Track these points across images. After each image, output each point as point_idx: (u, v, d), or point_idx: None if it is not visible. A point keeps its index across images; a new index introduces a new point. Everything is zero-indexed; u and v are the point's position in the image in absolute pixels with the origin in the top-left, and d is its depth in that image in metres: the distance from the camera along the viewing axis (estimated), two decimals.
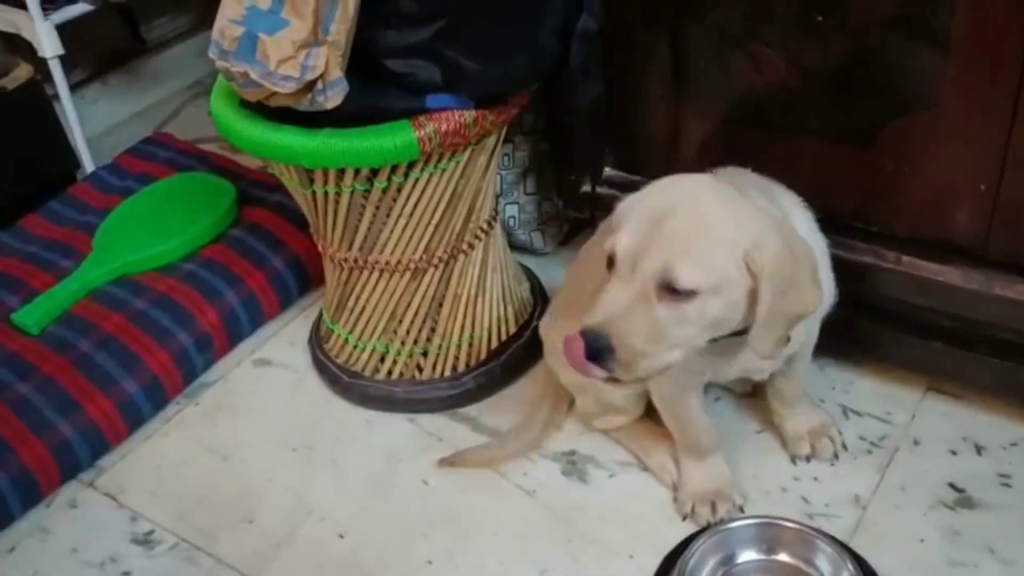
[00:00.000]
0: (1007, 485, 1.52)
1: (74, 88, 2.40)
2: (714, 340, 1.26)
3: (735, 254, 1.18)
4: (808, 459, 1.59)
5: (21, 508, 1.63)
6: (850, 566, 1.37)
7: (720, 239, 1.19)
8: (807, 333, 1.45)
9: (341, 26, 1.31)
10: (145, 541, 1.59)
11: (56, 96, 2.26)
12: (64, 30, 2.18)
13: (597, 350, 1.19)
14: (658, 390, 1.49)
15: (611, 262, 1.22)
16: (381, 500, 1.61)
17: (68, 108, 2.27)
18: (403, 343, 1.71)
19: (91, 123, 2.51)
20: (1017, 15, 1.30)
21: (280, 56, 1.32)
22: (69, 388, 1.72)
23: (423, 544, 1.54)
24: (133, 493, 1.67)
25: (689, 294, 1.18)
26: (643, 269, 1.18)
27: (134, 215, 2.08)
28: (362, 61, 1.38)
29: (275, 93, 1.35)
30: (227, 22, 1.39)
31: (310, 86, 1.33)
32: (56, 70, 2.20)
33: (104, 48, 2.67)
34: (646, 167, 1.76)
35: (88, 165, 2.35)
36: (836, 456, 1.59)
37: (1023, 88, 1.35)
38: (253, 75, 1.34)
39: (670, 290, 1.18)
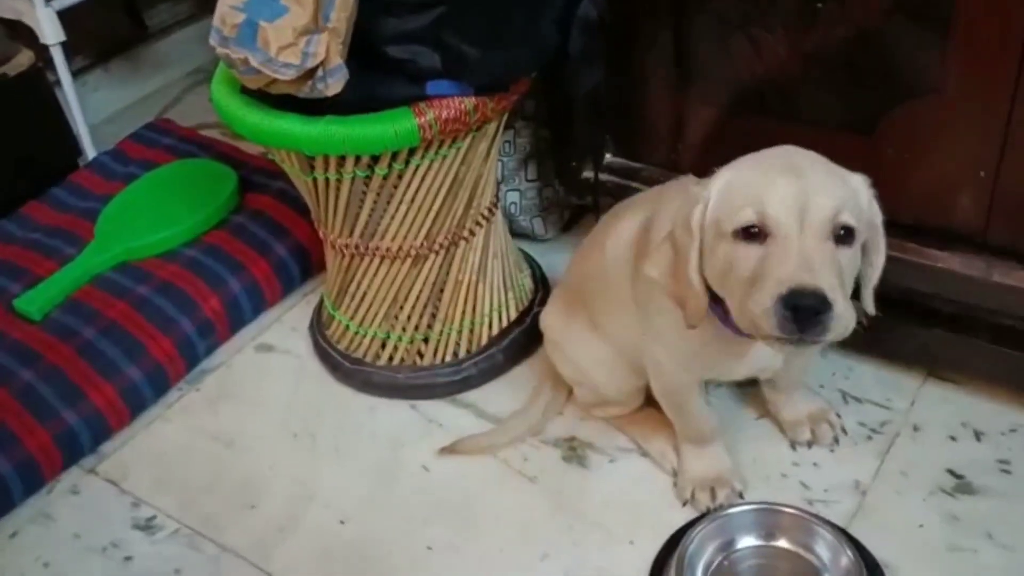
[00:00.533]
0: (1006, 471, 1.53)
1: (76, 75, 2.39)
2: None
3: (864, 199, 1.21)
4: (809, 445, 1.59)
5: (23, 494, 1.64)
6: (849, 552, 1.37)
7: (850, 186, 1.20)
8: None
9: (342, 13, 1.31)
10: (147, 527, 1.60)
11: (58, 82, 2.26)
12: (65, 16, 2.17)
13: (816, 311, 1.11)
14: (660, 384, 1.49)
15: (752, 231, 1.16)
16: (383, 486, 1.62)
17: (70, 95, 2.27)
18: (404, 329, 1.72)
19: (93, 110, 2.51)
20: (1017, 3, 1.29)
21: (280, 43, 1.32)
22: (72, 375, 1.73)
23: (425, 530, 1.55)
24: (135, 479, 1.68)
25: (850, 238, 1.17)
26: (814, 219, 1.14)
27: (136, 201, 2.09)
28: (362, 48, 1.38)
29: (276, 80, 1.35)
30: (228, 8, 1.38)
31: (311, 73, 1.33)
32: (58, 57, 2.20)
33: (105, 34, 2.67)
34: (647, 154, 1.77)
35: (90, 152, 2.35)
36: (836, 440, 1.59)
37: (1023, 75, 1.35)
38: (254, 62, 1.34)
39: (837, 237, 1.17)
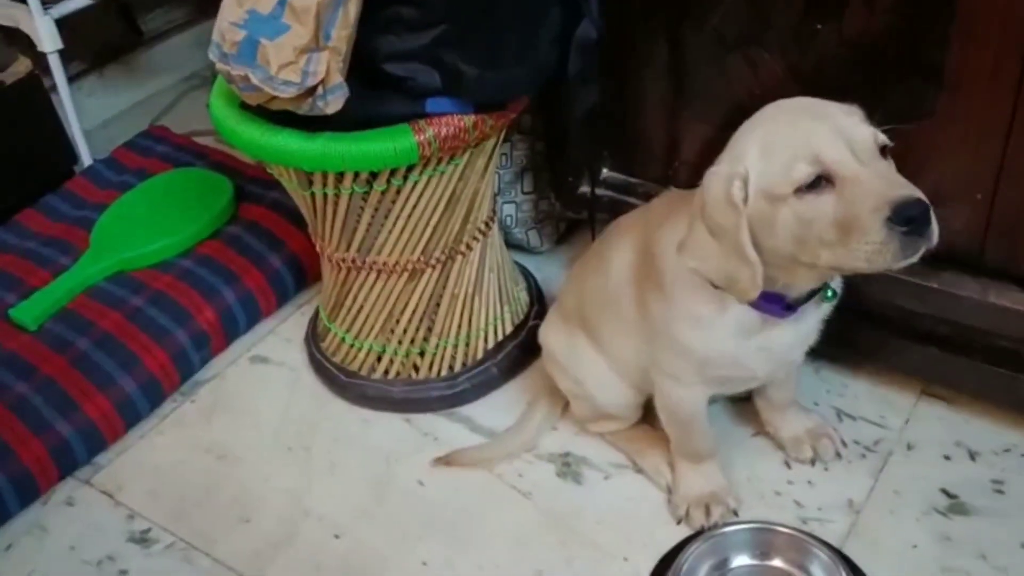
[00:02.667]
0: (1000, 491, 1.53)
1: (71, 80, 2.39)
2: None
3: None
4: (813, 462, 1.60)
5: (18, 505, 1.63)
6: (843, 572, 1.38)
7: (858, 111, 1.22)
8: (807, 345, 1.46)
9: (342, 32, 1.31)
10: (142, 540, 1.60)
11: (54, 88, 2.26)
12: (62, 22, 2.17)
13: (927, 213, 1.12)
14: (669, 401, 1.49)
15: (815, 183, 1.15)
16: (377, 501, 1.62)
17: (66, 101, 2.26)
18: (400, 343, 1.72)
19: (88, 115, 2.51)
20: (1013, 28, 1.30)
21: (281, 61, 1.32)
22: (68, 388, 1.72)
23: (419, 545, 1.55)
24: (130, 491, 1.68)
25: (887, 151, 1.19)
26: (863, 148, 1.15)
27: (131, 211, 2.08)
28: (362, 65, 1.38)
29: (275, 97, 1.35)
30: (228, 25, 1.38)
31: (311, 91, 1.33)
32: (55, 64, 2.19)
33: (101, 40, 2.66)
34: (643, 170, 1.77)
35: (86, 158, 2.35)
36: (839, 455, 1.60)
37: (1020, 98, 1.35)
38: (254, 79, 1.34)
39: (882, 152, 1.18)
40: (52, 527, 1.63)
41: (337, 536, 1.57)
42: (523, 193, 1.99)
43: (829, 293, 1.34)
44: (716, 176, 1.22)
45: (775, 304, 1.30)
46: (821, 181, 1.15)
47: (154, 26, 2.80)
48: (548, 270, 2.00)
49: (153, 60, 2.80)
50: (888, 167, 1.18)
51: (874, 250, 1.12)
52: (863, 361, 1.72)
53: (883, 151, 1.19)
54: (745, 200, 1.20)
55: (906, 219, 1.11)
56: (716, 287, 1.28)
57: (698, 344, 1.37)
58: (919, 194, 1.13)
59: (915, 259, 1.15)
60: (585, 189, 1.81)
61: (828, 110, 1.20)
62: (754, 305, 1.30)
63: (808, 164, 1.15)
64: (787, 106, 1.24)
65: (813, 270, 1.24)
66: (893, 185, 1.13)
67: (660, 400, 1.50)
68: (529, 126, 1.92)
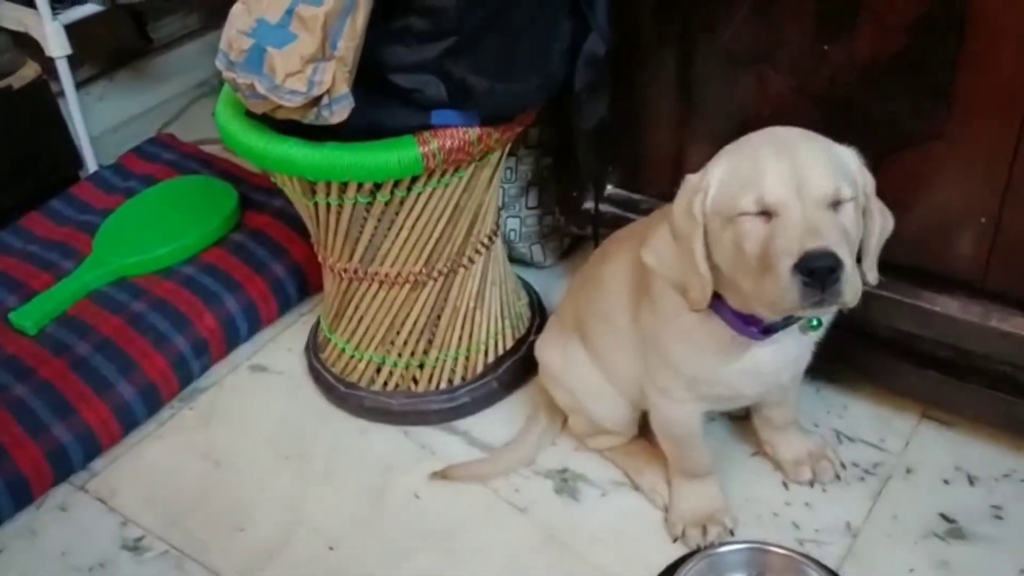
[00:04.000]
0: (999, 517, 1.52)
1: (80, 85, 2.39)
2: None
3: (855, 167, 1.25)
4: (812, 484, 1.59)
5: (12, 509, 1.63)
6: None
7: (841, 158, 1.24)
8: (797, 369, 1.45)
9: (349, 42, 1.32)
10: (135, 547, 1.59)
11: (61, 94, 2.26)
12: (72, 27, 2.18)
13: (830, 270, 1.14)
14: (662, 416, 1.49)
15: (765, 208, 1.18)
16: (372, 513, 1.61)
17: (73, 106, 2.27)
18: (400, 355, 1.72)
19: (96, 121, 2.52)
20: (1020, 52, 1.30)
21: (287, 70, 1.32)
22: (65, 392, 1.72)
23: (412, 559, 1.54)
24: (124, 497, 1.67)
25: (848, 205, 1.21)
26: (811, 193, 1.18)
27: (135, 217, 2.08)
28: (369, 76, 1.38)
29: (281, 106, 1.35)
30: (236, 33, 1.38)
31: (316, 101, 1.33)
32: (63, 69, 2.20)
33: (111, 46, 2.67)
34: (648, 186, 1.77)
35: (92, 164, 2.35)
36: (838, 477, 1.60)
37: None
38: (260, 88, 1.34)
39: (835, 205, 1.20)
40: (45, 532, 1.62)
41: (331, 547, 1.57)
42: (527, 208, 1.99)
43: (814, 323, 1.34)
44: (687, 184, 1.28)
45: (751, 326, 1.31)
46: (763, 213, 1.19)
47: (164, 33, 2.80)
48: (551, 285, 1.99)
49: (162, 67, 2.80)
50: (829, 216, 1.18)
51: (778, 293, 1.17)
52: (864, 383, 1.71)
53: (842, 202, 1.20)
54: (704, 214, 1.24)
55: (808, 270, 1.14)
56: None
57: (684, 359, 1.38)
58: (835, 250, 1.15)
59: (822, 314, 1.23)
60: (589, 205, 1.81)
61: (801, 149, 1.21)
62: (732, 325, 1.31)
63: (752, 198, 1.19)
64: (769, 135, 1.27)
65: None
66: (814, 235, 1.16)
67: (654, 415, 1.50)
68: (535, 140, 1.92)
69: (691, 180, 1.27)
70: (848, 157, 1.25)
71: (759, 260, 1.19)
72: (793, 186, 1.18)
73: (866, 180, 1.26)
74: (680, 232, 1.27)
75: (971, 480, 1.58)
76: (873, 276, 1.29)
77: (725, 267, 1.25)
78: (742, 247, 1.20)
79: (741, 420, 1.68)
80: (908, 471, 1.60)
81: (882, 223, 1.29)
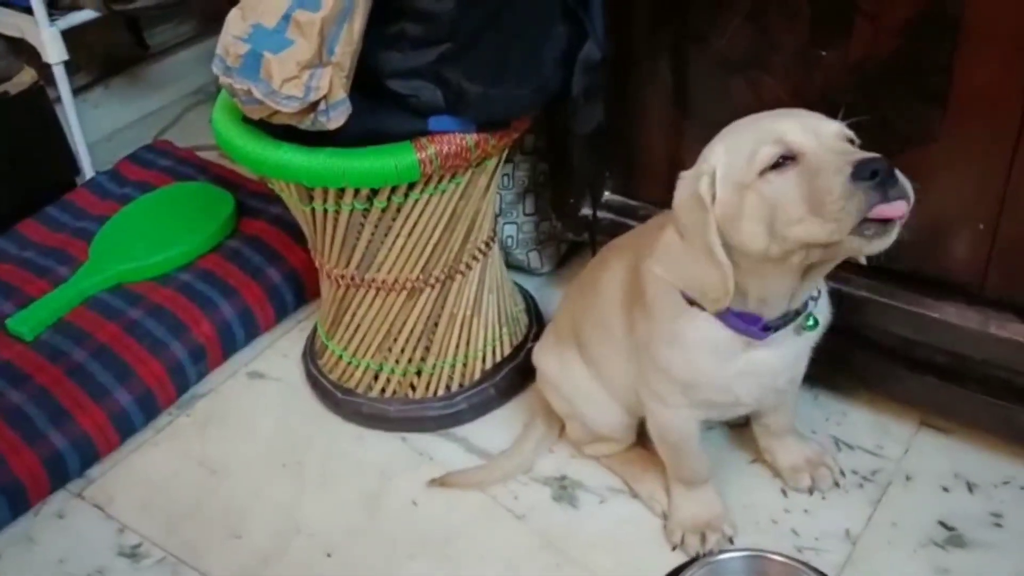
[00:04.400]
0: (998, 525, 1.52)
1: (77, 92, 2.39)
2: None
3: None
4: (811, 491, 1.59)
5: (9, 516, 1.62)
6: None
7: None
8: (794, 372, 1.45)
9: (346, 48, 1.31)
10: (132, 554, 1.58)
11: (58, 100, 2.26)
12: (68, 34, 2.18)
13: (889, 167, 1.11)
14: (658, 423, 1.48)
15: (781, 158, 1.16)
16: (370, 519, 1.61)
17: (70, 113, 2.27)
18: (397, 361, 1.71)
19: (93, 128, 2.51)
20: (1017, 56, 1.30)
21: (284, 75, 1.32)
22: (62, 398, 1.72)
23: (410, 566, 1.53)
24: (121, 504, 1.67)
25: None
26: (828, 134, 1.18)
27: (131, 223, 2.08)
28: (366, 81, 1.38)
29: (277, 112, 1.34)
30: (232, 39, 1.38)
31: (313, 106, 1.33)
32: (60, 75, 2.20)
33: (107, 52, 2.67)
34: (646, 192, 1.77)
35: (88, 170, 2.35)
36: (837, 484, 1.59)
37: (1023, 128, 1.35)
38: (256, 93, 1.34)
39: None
40: (41, 539, 1.62)
41: (328, 554, 1.56)
42: (525, 214, 1.99)
43: (811, 322, 1.33)
44: (685, 178, 1.25)
45: (752, 324, 1.30)
46: (785, 161, 1.16)
47: (161, 40, 2.80)
48: (548, 292, 1.99)
49: (159, 74, 2.80)
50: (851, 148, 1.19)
51: (838, 210, 1.11)
52: (863, 390, 1.71)
53: (853, 144, 1.20)
54: (713, 198, 1.21)
55: (870, 172, 1.11)
56: (689, 301, 1.29)
57: (679, 365, 1.36)
58: (880, 156, 1.13)
59: (888, 241, 1.14)
60: (586, 211, 1.80)
61: (796, 111, 1.23)
62: (731, 324, 1.30)
63: (772, 145, 1.17)
64: (757, 113, 1.27)
65: (784, 270, 1.22)
66: (854, 153, 1.15)
67: (650, 422, 1.50)
68: (532, 147, 1.92)
69: (687, 174, 1.25)
70: (839, 122, 1.24)
71: (804, 200, 1.14)
72: (809, 131, 1.17)
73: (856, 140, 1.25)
74: (689, 227, 1.23)
75: (970, 487, 1.58)
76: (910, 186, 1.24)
77: (754, 240, 1.19)
78: (777, 199, 1.16)
79: (739, 428, 1.67)
80: (907, 478, 1.60)
81: None
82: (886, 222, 1.13)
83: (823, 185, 1.13)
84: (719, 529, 1.51)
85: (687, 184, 1.24)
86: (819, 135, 1.17)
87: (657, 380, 1.41)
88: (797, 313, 1.32)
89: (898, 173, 1.13)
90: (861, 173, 1.11)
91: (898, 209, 1.12)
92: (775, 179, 1.17)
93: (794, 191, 1.15)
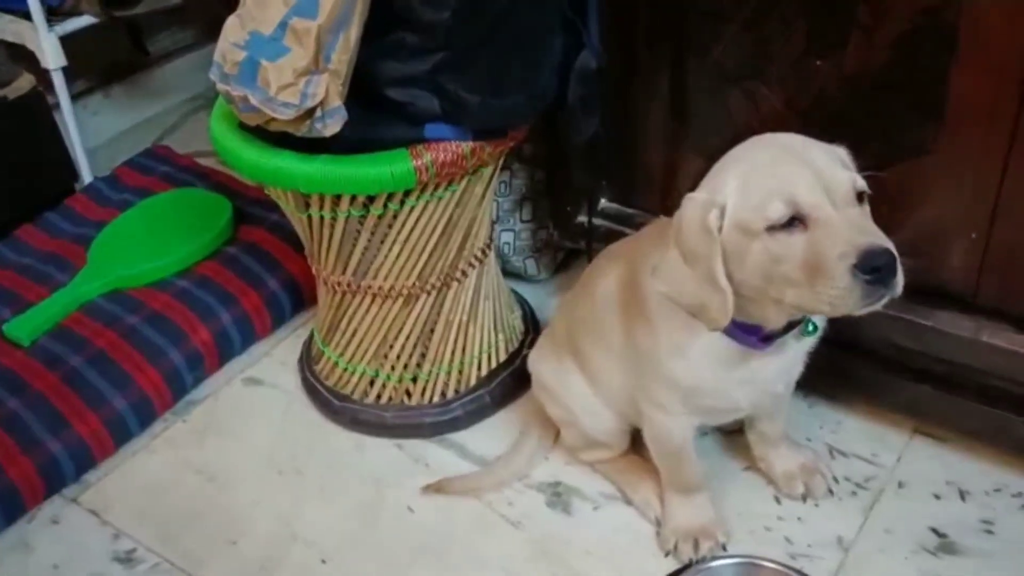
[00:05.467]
0: (990, 532, 1.52)
1: (76, 98, 2.40)
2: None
3: (849, 162, 1.24)
4: (804, 498, 1.59)
5: (4, 522, 1.63)
6: None
7: (840, 154, 1.24)
8: (791, 378, 1.46)
9: (342, 55, 1.32)
10: (127, 560, 1.59)
11: (57, 106, 2.27)
12: (67, 40, 2.19)
13: (892, 264, 1.13)
14: (654, 431, 1.48)
15: (789, 219, 1.16)
16: (366, 526, 1.61)
17: (68, 119, 2.27)
18: (393, 368, 1.72)
19: (92, 134, 2.52)
20: (1011, 68, 1.31)
21: (280, 83, 1.32)
22: (59, 405, 1.72)
23: (406, 572, 1.54)
24: (117, 510, 1.67)
25: (863, 199, 1.20)
26: (839, 192, 1.16)
27: (130, 229, 2.09)
28: (362, 89, 1.39)
29: (274, 119, 1.35)
30: (229, 46, 1.39)
31: (309, 113, 1.34)
32: (58, 81, 2.20)
33: (107, 59, 2.67)
34: (642, 201, 1.78)
35: (87, 176, 2.36)
36: (831, 491, 1.60)
37: (1016, 138, 1.36)
38: (253, 100, 1.35)
39: (859, 198, 1.19)
40: (37, 545, 1.62)
41: (324, 561, 1.56)
42: (522, 221, 1.99)
43: (810, 327, 1.34)
44: (693, 202, 1.24)
45: (752, 335, 1.31)
46: (794, 221, 1.16)
47: (161, 46, 2.81)
48: (544, 299, 2.00)
49: (159, 80, 2.81)
50: (862, 214, 1.18)
51: (837, 295, 1.14)
52: (857, 397, 1.71)
53: (860, 197, 1.19)
54: (720, 229, 1.21)
55: (872, 268, 1.12)
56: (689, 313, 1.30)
57: (681, 373, 1.37)
58: (888, 244, 1.14)
59: (877, 307, 1.17)
60: (583, 219, 1.81)
61: (811, 152, 1.20)
62: (731, 335, 1.30)
63: (784, 204, 1.16)
64: (772, 141, 1.25)
65: (781, 306, 1.24)
66: (863, 232, 1.14)
67: (647, 430, 1.50)
68: (530, 155, 1.93)
69: (696, 198, 1.23)
70: (842, 153, 1.25)
71: (804, 269, 1.15)
72: (820, 188, 1.16)
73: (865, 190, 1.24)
74: (694, 253, 1.22)
75: (963, 495, 1.58)
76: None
77: (755, 282, 1.21)
78: (780, 259, 1.17)
79: (733, 435, 1.68)
80: (900, 486, 1.61)
81: None
82: None
83: (826, 266, 1.14)
84: (712, 536, 1.51)
85: (695, 211, 1.23)
86: (832, 194, 1.16)
87: (658, 389, 1.42)
88: (798, 322, 1.33)
89: (898, 268, 1.14)
90: (864, 267, 1.12)
91: (877, 307, 1.16)
92: (782, 239, 1.17)
93: (798, 257, 1.16)
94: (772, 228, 1.17)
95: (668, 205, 1.71)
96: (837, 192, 1.16)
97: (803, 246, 1.16)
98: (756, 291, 1.23)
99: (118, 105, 2.73)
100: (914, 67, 1.38)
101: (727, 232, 1.20)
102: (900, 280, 1.15)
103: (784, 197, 1.16)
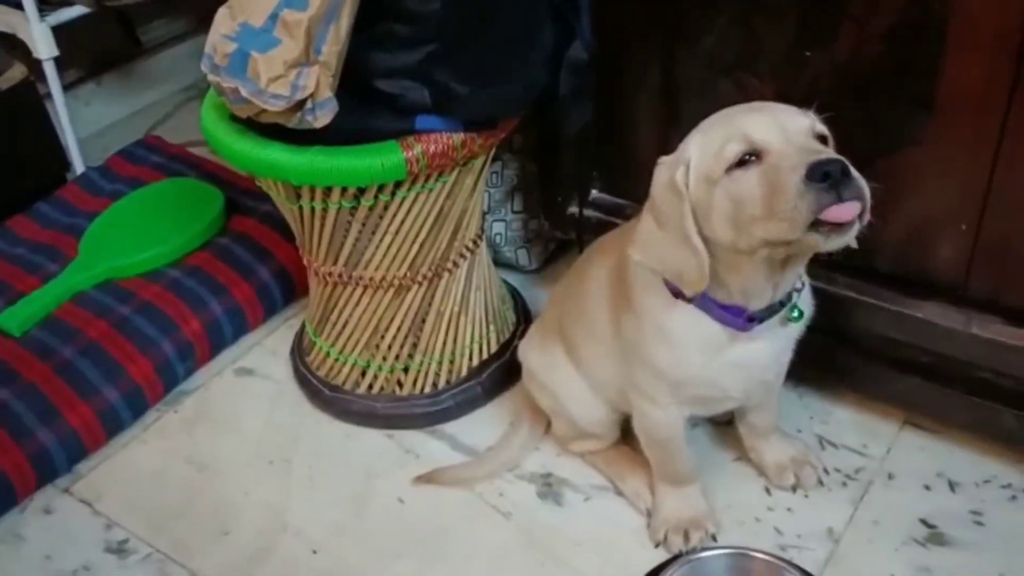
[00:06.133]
0: (979, 523, 1.53)
1: (68, 88, 2.39)
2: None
3: (818, 123, 1.24)
4: (794, 489, 1.60)
5: None
6: None
7: (807, 114, 1.24)
8: (780, 365, 1.46)
9: (333, 47, 1.32)
10: (119, 550, 1.59)
11: (49, 96, 2.26)
12: (59, 29, 2.18)
13: (843, 168, 1.12)
14: (645, 423, 1.49)
15: (746, 156, 1.18)
16: (356, 517, 1.62)
17: (60, 108, 2.27)
18: (384, 359, 1.72)
19: (84, 124, 2.52)
20: (1002, 59, 1.31)
21: (271, 74, 1.32)
22: (50, 394, 1.72)
23: (396, 564, 1.54)
24: (109, 500, 1.67)
25: (827, 144, 1.22)
26: (796, 132, 1.18)
27: (122, 220, 2.08)
28: (353, 81, 1.38)
29: (264, 110, 1.35)
30: (220, 37, 1.39)
31: (300, 105, 1.34)
32: (50, 71, 2.20)
33: (99, 49, 2.67)
34: (633, 191, 1.77)
35: (79, 166, 2.35)
36: (821, 482, 1.60)
37: (1006, 129, 1.36)
38: (243, 92, 1.34)
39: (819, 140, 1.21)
40: (28, 535, 1.62)
41: (315, 551, 1.57)
42: (513, 212, 1.99)
43: (795, 313, 1.35)
44: (663, 165, 1.28)
45: (737, 316, 1.31)
46: (750, 158, 1.18)
47: (153, 36, 2.81)
48: (536, 289, 2.00)
49: (151, 70, 2.81)
50: (820, 145, 1.19)
51: (793, 207, 1.13)
52: (847, 389, 1.72)
53: (824, 140, 1.21)
54: (687, 186, 1.23)
55: (822, 174, 1.12)
56: (674, 293, 1.31)
57: (666, 359, 1.37)
58: (834, 158, 1.14)
59: (847, 239, 1.16)
60: (574, 209, 1.81)
61: (771, 105, 1.24)
62: (715, 316, 1.31)
63: (737, 143, 1.18)
64: (735, 106, 1.28)
65: (756, 263, 1.24)
66: (812, 151, 1.16)
67: (638, 421, 1.50)
68: (521, 146, 1.93)
69: (665, 160, 1.28)
70: (811, 116, 1.24)
71: (763, 199, 1.16)
72: (777, 128, 1.18)
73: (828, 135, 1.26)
74: (665, 213, 1.25)
75: (952, 486, 1.59)
76: (866, 188, 1.21)
77: (724, 234, 1.21)
78: (740, 196, 1.18)
79: (724, 426, 1.68)
80: (890, 477, 1.61)
81: None
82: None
83: (779, 185, 1.15)
84: (702, 527, 1.51)
85: (665, 171, 1.27)
86: (787, 132, 1.18)
87: (646, 379, 1.42)
88: (782, 305, 1.33)
89: (854, 173, 1.14)
90: (814, 174, 1.12)
91: (849, 211, 1.13)
92: (740, 177, 1.18)
93: (755, 190, 1.17)
94: (730, 169, 1.19)
95: None
96: (793, 131, 1.18)
97: (759, 178, 1.17)
98: (728, 248, 1.23)
99: (110, 95, 2.72)
100: (904, 58, 1.38)
101: (694, 187, 1.23)
102: (859, 184, 1.14)
103: (738, 137, 1.19)
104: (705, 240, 1.23)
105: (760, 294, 1.30)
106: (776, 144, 1.17)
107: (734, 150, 1.18)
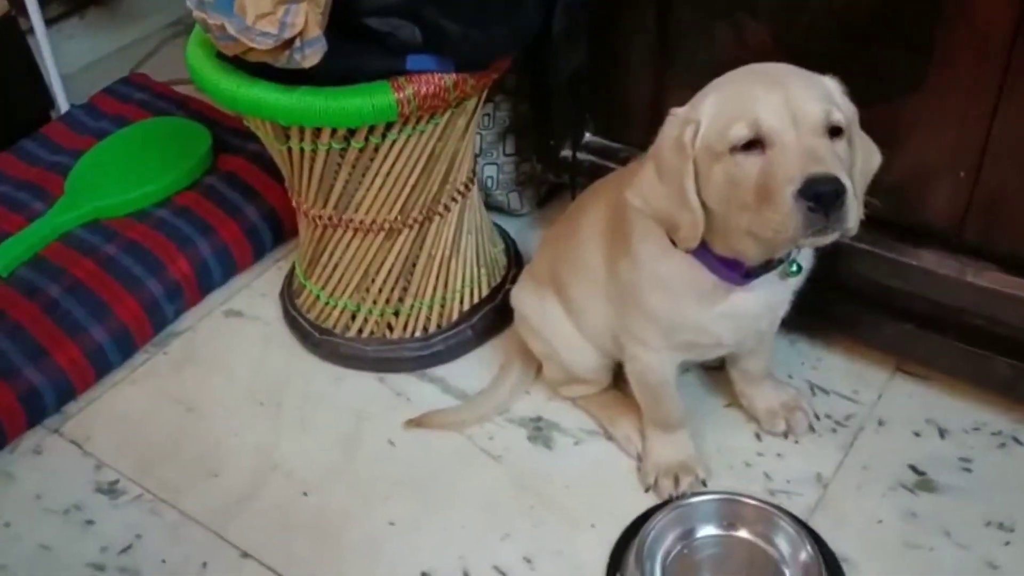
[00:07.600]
0: (967, 469, 1.54)
1: (50, 23, 2.35)
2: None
3: (839, 97, 1.23)
4: (785, 435, 1.60)
5: None
6: (808, 546, 1.38)
7: (827, 87, 1.22)
8: (776, 316, 1.46)
9: None
10: (110, 490, 1.59)
11: (31, 31, 2.22)
12: None
13: (835, 194, 1.11)
14: (637, 367, 1.48)
15: (752, 141, 1.16)
16: (347, 459, 1.62)
17: (43, 45, 2.23)
18: (375, 302, 1.71)
19: (67, 59, 2.47)
20: (1003, 6, 1.29)
21: (258, 11, 1.29)
22: (38, 334, 1.71)
23: (386, 505, 1.55)
24: (99, 441, 1.67)
25: (840, 134, 1.19)
26: (806, 121, 1.16)
27: (108, 158, 2.05)
28: (343, 19, 1.35)
29: (252, 49, 1.32)
30: None
31: (288, 43, 1.31)
32: (32, 5, 2.16)
33: None
34: (626, 134, 1.76)
35: (63, 103, 2.31)
36: (812, 428, 1.61)
37: (1007, 76, 1.34)
38: (230, 29, 1.31)
39: (830, 133, 1.18)
40: (19, 475, 1.62)
41: (305, 493, 1.57)
42: (505, 155, 1.97)
43: (794, 267, 1.34)
44: (674, 118, 1.25)
45: (733, 271, 1.30)
46: (755, 144, 1.17)
47: None
48: (528, 233, 1.98)
49: (136, 5, 2.75)
50: (827, 146, 1.17)
51: (780, 221, 1.14)
52: (839, 335, 1.72)
53: (835, 131, 1.18)
54: (693, 147, 1.21)
55: (813, 195, 1.12)
56: (672, 241, 1.30)
57: (662, 306, 1.37)
58: (834, 174, 1.13)
59: (824, 241, 1.18)
60: (567, 153, 1.79)
61: (790, 81, 1.20)
62: (712, 269, 1.31)
63: (746, 126, 1.16)
64: (757, 70, 1.25)
65: (748, 236, 1.23)
66: (817, 161, 1.14)
67: (629, 365, 1.50)
68: (513, 87, 1.90)
69: (679, 113, 1.25)
70: (832, 86, 1.24)
71: (756, 193, 1.16)
72: (788, 114, 1.16)
73: (849, 109, 1.23)
74: (668, 168, 1.24)
75: (942, 433, 1.59)
76: (855, 219, 1.20)
77: (716, 204, 1.22)
78: (737, 181, 1.18)
79: (715, 371, 1.68)
80: (880, 423, 1.61)
81: (865, 155, 1.27)
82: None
83: (772, 190, 1.14)
84: (692, 472, 1.52)
85: (674, 126, 1.24)
86: (798, 123, 1.16)
87: (640, 324, 1.42)
88: (780, 260, 1.32)
89: (847, 203, 1.13)
90: (807, 192, 1.11)
91: (827, 240, 1.16)
92: (740, 160, 1.17)
93: (751, 179, 1.17)
94: (734, 149, 1.17)
95: (653, 139, 1.71)
96: (804, 121, 1.16)
97: (757, 170, 1.16)
98: (720, 217, 1.23)
99: (94, 29, 2.67)
100: (904, 2, 1.36)
101: (699, 151, 1.22)
102: (847, 215, 1.14)
103: (747, 120, 1.16)
104: (702, 201, 1.22)
105: (756, 254, 1.29)
106: (783, 138, 1.15)
107: (740, 134, 1.16)
